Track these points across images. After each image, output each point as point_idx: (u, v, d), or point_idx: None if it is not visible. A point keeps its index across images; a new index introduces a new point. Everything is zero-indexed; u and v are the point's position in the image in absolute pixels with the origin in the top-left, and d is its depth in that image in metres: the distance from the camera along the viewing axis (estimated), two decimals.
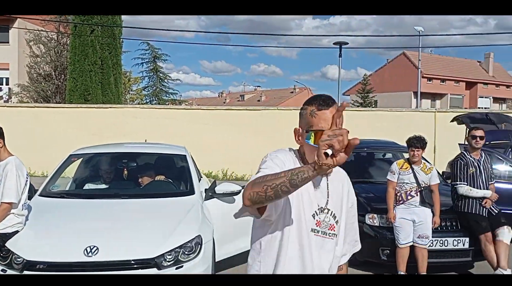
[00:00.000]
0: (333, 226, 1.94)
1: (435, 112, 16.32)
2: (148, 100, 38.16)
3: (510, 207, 6.77)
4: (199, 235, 4.19)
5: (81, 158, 5.79)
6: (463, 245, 5.56)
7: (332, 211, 1.94)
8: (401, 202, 5.45)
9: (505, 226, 5.50)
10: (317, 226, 1.91)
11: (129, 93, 36.19)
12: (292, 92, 67.80)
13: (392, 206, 5.52)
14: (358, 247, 2.19)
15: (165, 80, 40.28)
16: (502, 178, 7.25)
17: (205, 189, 5.32)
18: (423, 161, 5.59)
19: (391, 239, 5.51)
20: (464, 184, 5.50)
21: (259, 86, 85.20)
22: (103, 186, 5.37)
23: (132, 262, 3.78)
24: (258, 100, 67.79)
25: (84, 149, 5.92)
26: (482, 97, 54.82)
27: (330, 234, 1.94)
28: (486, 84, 56.64)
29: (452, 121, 10.08)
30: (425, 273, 5.28)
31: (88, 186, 5.45)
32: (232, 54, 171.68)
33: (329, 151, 1.49)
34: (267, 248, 1.92)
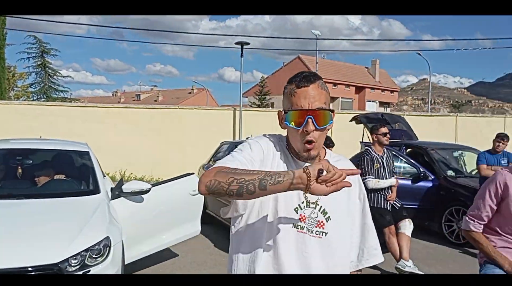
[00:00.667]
0: (321, 223, 1.68)
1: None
2: (35, 98, 35.56)
3: (408, 201, 7.17)
4: (108, 236, 3.87)
5: None
6: None
7: (321, 206, 1.68)
8: None
9: (407, 219, 5.79)
10: (300, 221, 1.66)
11: (14, 90, 33.53)
12: (190, 93, 67.33)
13: None
14: (378, 258, 1.83)
15: (55, 77, 37.85)
16: (398, 174, 7.65)
17: (111, 188, 4.97)
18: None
19: None
20: (372, 177, 5.71)
21: (155, 86, 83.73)
22: None
23: (30, 269, 3.36)
24: (155, 100, 66.41)
25: None
26: (370, 101, 58.55)
27: (317, 232, 1.67)
28: (373, 89, 60.58)
29: (351, 120, 10.52)
30: None
31: None
32: (126, 52, 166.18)
33: (323, 173, 1.39)
34: (241, 247, 1.71)
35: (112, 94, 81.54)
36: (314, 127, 1.60)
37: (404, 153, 8.58)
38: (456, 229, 7.23)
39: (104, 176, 5.65)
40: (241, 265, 1.70)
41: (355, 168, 1.71)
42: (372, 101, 58.89)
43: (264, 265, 1.65)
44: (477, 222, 2.85)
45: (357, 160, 5.93)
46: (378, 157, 5.80)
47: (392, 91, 64.12)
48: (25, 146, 5.53)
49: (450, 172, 7.96)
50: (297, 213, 1.67)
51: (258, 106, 43.69)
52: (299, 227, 1.66)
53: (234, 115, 16.22)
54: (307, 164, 1.66)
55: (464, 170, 8.54)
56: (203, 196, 5.65)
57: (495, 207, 2.78)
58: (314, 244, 1.66)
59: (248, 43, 16.70)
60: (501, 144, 7.07)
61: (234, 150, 1.70)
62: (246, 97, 54.38)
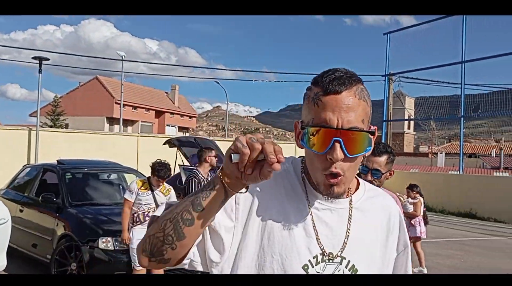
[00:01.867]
0: None
1: (138, 136, 16.74)
2: None
3: None
4: None
5: None
6: None
7: (349, 261, 1.21)
8: (138, 222, 5.28)
9: None
10: None
11: None
12: None
13: (127, 226, 5.30)
14: None
15: None
16: None
17: None
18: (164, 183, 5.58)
19: (126, 262, 5.25)
20: None
21: None
22: None
23: None
24: None
25: None
26: (169, 126, 59.22)
27: None
28: (173, 114, 61.48)
29: (164, 144, 10.48)
30: None
31: None
32: None
33: (235, 157, 0.98)
34: None
35: None
36: (344, 154, 1.11)
37: None
38: None
39: None
40: None
41: (397, 208, 1.33)
42: (172, 126, 59.68)
43: None
44: None
45: (183, 183, 5.91)
46: (205, 179, 5.87)
47: (190, 117, 65.99)
48: None
49: None
50: (308, 271, 1.18)
51: (51, 126, 40.49)
52: None
53: (30, 135, 14.75)
54: (329, 203, 1.22)
55: None
56: (9, 226, 4.99)
57: None
58: None
59: (47, 59, 15.49)
60: None
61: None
62: (35, 116, 50.07)
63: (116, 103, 48.00)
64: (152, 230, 1.10)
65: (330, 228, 1.20)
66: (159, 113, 59.28)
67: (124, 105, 52.51)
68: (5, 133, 14.71)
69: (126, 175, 7.49)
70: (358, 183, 1.30)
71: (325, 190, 1.17)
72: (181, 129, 61.24)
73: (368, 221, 1.25)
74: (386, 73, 19.87)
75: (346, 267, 1.20)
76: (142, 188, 5.35)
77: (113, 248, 5.36)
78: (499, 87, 17.56)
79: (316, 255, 1.18)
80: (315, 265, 1.18)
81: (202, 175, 5.90)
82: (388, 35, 19.68)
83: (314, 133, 1.12)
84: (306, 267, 1.17)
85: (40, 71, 15.15)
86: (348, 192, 1.24)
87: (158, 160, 5.53)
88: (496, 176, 21.43)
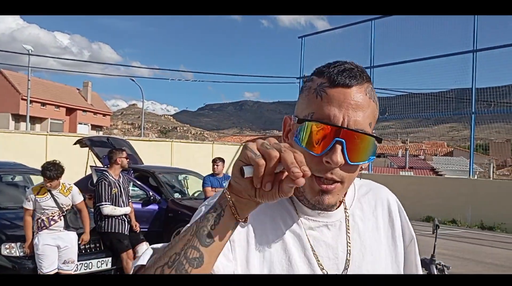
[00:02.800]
0: None
1: (46, 135, 15.91)
2: None
3: (140, 224, 7.23)
4: None
5: None
6: (107, 265, 5.58)
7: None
8: (44, 227, 5.03)
9: (144, 243, 5.85)
10: None
11: None
12: None
13: (30, 235, 5.04)
14: None
15: None
16: (133, 198, 7.67)
17: None
18: (62, 183, 5.29)
19: (32, 269, 4.99)
20: (109, 204, 5.57)
21: None
22: None
23: None
24: None
25: None
26: (82, 124, 56.80)
27: None
28: (85, 111, 59.03)
29: (75, 143, 10.06)
30: None
31: None
32: None
33: (247, 170, 0.78)
34: None
35: None
36: (345, 160, 0.94)
37: (132, 177, 8.66)
38: None
39: None
40: None
41: (393, 198, 1.18)
42: (84, 124, 57.31)
43: None
44: None
45: (94, 185, 5.73)
46: (115, 181, 5.72)
47: (104, 115, 63.75)
48: None
49: (176, 195, 8.40)
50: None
51: None
52: None
53: None
54: (323, 218, 1.05)
55: (187, 192, 9.14)
56: None
57: None
58: None
59: None
60: (217, 166, 7.72)
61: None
62: None
63: (22, 99, 45.31)
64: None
65: (330, 248, 1.04)
66: (70, 111, 56.67)
67: (31, 101, 49.69)
68: None
69: (32, 177, 7.09)
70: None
71: (312, 197, 0.98)
72: (94, 127, 58.99)
73: (367, 225, 1.10)
74: (301, 76, 20.43)
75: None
76: (40, 194, 5.06)
77: (17, 255, 5.06)
78: (404, 91, 18.67)
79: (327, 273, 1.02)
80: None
81: (113, 177, 5.74)
82: (303, 38, 20.25)
83: (314, 130, 0.93)
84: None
85: None
86: (342, 200, 1.08)
87: (48, 161, 5.25)
88: (402, 175, 22.89)
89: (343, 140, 0.92)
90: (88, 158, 10.03)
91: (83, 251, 5.42)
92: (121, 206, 5.70)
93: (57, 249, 5.04)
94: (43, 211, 5.02)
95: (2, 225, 5.41)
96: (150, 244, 5.87)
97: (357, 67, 0.97)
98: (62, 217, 5.11)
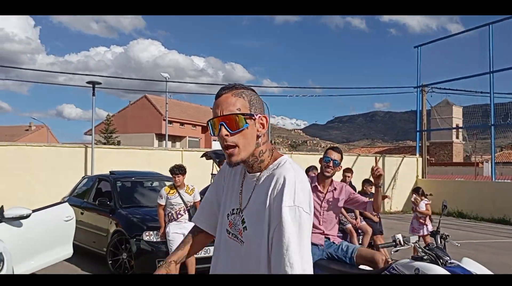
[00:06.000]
0: (240, 232, 1.71)
1: (182, 150, 18.14)
2: None
3: None
4: (1, 252, 4.41)
5: None
6: None
7: (243, 216, 1.71)
8: (173, 220, 6.47)
9: None
10: (229, 227, 1.76)
11: None
12: (27, 130, 63.02)
13: (163, 224, 6.50)
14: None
15: None
16: None
17: None
18: (186, 184, 6.70)
19: (166, 252, 6.44)
20: None
21: None
22: None
23: None
24: None
25: None
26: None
27: (239, 239, 1.71)
28: None
29: (202, 156, 11.68)
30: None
31: None
32: None
33: None
34: None
35: None
36: (228, 132, 1.65)
37: None
38: None
39: None
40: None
41: (285, 179, 1.63)
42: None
43: (212, 264, 1.87)
44: None
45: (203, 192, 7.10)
46: None
47: None
48: None
49: None
50: (228, 219, 1.79)
51: (104, 143, 42.94)
52: (228, 232, 1.77)
53: (86, 152, 16.39)
54: (251, 176, 1.76)
55: None
56: (74, 222, 6.27)
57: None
58: (236, 249, 1.72)
59: (99, 83, 17.15)
60: (347, 177, 8.52)
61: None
62: (90, 135, 52.94)
63: (164, 120, 50.27)
64: None
65: (246, 190, 1.75)
66: (205, 129, 61.16)
67: (171, 121, 54.79)
68: (64, 150, 16.38)
69: (167, 182, 8.75)
70: (275, 162, 1.73)
71: (228, 161, 1.71)
72: None
73: (262, 187, 1.69)
74: (419, 85, 20.49)
75: (241, 219, 1.71)
76: (170, 192, 6.54)
77: (155, 240, 6.59)
78: None
79: (237, 208, 1.76)
80: (233, 214, 1.76)
81: None
82: (419, 48, 20.35)
83: (212, 123, 1.70)
84: (228, 215, 1.79)
85: (93, 94, 16.84)
86: (261, 168, 1.73)
87: (175, 164, 6.68)
88: None
89: (223, 122, 1.65)
90: (212, 169, 11.61)
91: None
92: None
93: (183, 236, 6.45)
94: (172, 206, 6.47)
95: (144, 218, 7.01)
96: None
97: (229, 85, 1.73)
98: (186, 212, 6.52)
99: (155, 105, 54.34)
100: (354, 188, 8.39)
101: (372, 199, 4.37)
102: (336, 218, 4.44)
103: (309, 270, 1.53)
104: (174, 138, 54.99)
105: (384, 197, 5.53)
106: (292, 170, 1.66)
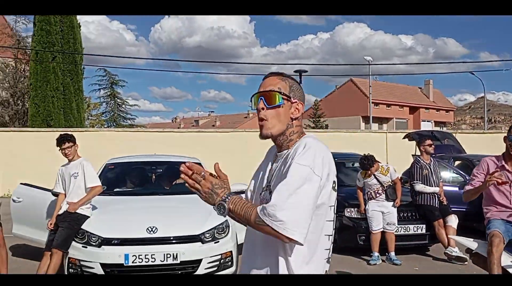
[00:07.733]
0: None
1: (386, 132, 18.23)
2: (107, 125, 38.66)
3: (457, 205, 8.35)
4: (227, 220, 5.43)
5: (115, 167, 6.97)
6: (421, 230, 7.07)
7: (272, 191, 1.72)
8: (371, 198, 6.88)
9: (452, 215, 7.06)
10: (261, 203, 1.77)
11: (89, 119, 36.52)
12: (246, 117, 69.38)
13: (362, 202, 6.97)
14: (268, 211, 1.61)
15: (123, 105, 41.00)
16: (447, 182, 8.86)
17: None
18: (381, 165, 7.01)
19: (365, 227, 6.91)
20: (419, 182, 7.03)
21: (212, 111, 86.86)
22: (138, 188, 6.58)
23: (183, 237, 5.00)
24: (213, 125, 68.88)
25: (117, 159, 7.17)
26: (425, 121, 58.54)
27: None
28: (428, 109, 60.51)
29: (404, 138, 11.75)
30: (392, 251, 6.71)
31: (120, 188, 6.60)
32: (181, 80, 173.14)
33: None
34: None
35: (172, 120, 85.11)
36: (264, 105, 1.80)
37: (453, 165, 9.78)
38: None
39: None
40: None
41: (295, 153, 1.72)
42: (427, 121, 58.83)
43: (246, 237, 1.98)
44: (469, 185, 4.36)
45: (411, 166, 7.30)
46: (426, 164, 7.12)
47: (447, 111, 63.78)
48: (157, 159, 7.36)
49: None
50: (259, 198, 1.86)
51: (313, 128, 44.98)
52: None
53: None
54: (278, 155, 1.87)
55: None
56: None
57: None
58: None
59: (306, 71, 18.31)
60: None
61: None
62: None
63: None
64: None
65: (275, 170, 1.84)
66: (413, 109, 59.21)
67: (377, 103, 54.39)
68: None
69: None
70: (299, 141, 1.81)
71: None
72: (437, 123, 59.78)
73: (286, 161, 1.77)
74: None
75: (270, 194, 1.71)
76: (366, 176, 6.92)
77: (355, 216, 7.12)
78: None
79: (264, 186, 1.86)
80: (262, 193, 1.84)
81: (424, 161, 7.15)
82: None
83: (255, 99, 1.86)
84: (260, 194, 1.85)
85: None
86: (288, 147, 1.82)
87: (363, 155, 6.98)
88: None
89: (262, 96, 1.81)
90: (415, 150, 11.57)
91: (403, 218, 7.05)
92: (432, 186, 7.05)
93: (382, 214, 6.82)
94: (370, 186, 6.90)
95: (347, 196, 7.56)
96: (468, 223, 7.07)
97: (281, 72, 1.89)
98: (384, 192, 6.87)
99: (361, 88, 54.56)
100: None
101: None
102: None
103: (290, 224, 1.55)
104: (381, 120, 54.53)
105: None
106: (315, 141, 1.76)
